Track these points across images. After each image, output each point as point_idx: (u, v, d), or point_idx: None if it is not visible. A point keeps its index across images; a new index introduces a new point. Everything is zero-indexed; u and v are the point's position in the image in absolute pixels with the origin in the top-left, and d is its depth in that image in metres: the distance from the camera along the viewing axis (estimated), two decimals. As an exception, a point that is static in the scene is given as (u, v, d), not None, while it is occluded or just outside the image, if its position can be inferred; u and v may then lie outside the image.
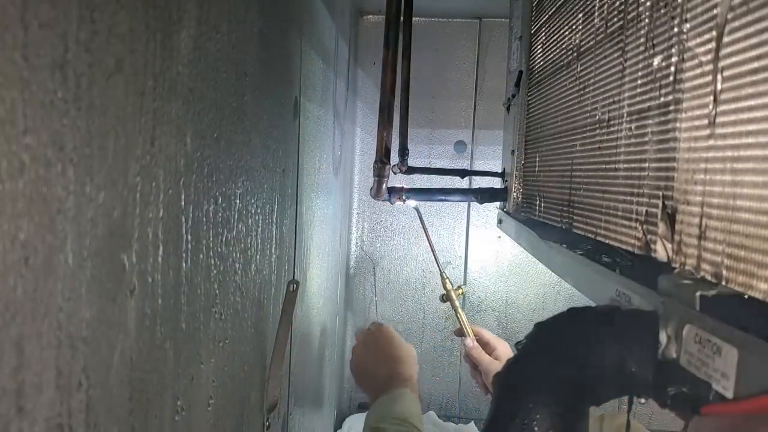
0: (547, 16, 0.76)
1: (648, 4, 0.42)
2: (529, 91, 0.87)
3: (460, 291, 1.14)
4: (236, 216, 0.57)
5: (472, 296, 1.71)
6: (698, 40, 0.34)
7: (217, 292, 0.53)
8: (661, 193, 0.38)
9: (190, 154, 0.44)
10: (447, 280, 1.14)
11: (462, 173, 1.27)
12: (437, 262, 1.18)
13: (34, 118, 0.26)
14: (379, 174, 1.03)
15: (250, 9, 0.59)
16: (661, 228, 0.37)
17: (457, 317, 1.10)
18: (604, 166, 0.49)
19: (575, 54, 0.60)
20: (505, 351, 1.04)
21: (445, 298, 1.14)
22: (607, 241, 0.47)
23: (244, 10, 0.57)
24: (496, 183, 1.15)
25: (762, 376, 0.25)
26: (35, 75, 0.26)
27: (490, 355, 1.03)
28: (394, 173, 1.22)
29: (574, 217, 0.57)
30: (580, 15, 0.59)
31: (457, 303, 1.12)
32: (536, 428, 0.34)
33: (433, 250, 1.20)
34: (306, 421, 1.10)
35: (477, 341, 1.05)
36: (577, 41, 0.60)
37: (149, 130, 0.37)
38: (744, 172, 0.29)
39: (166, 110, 0.40)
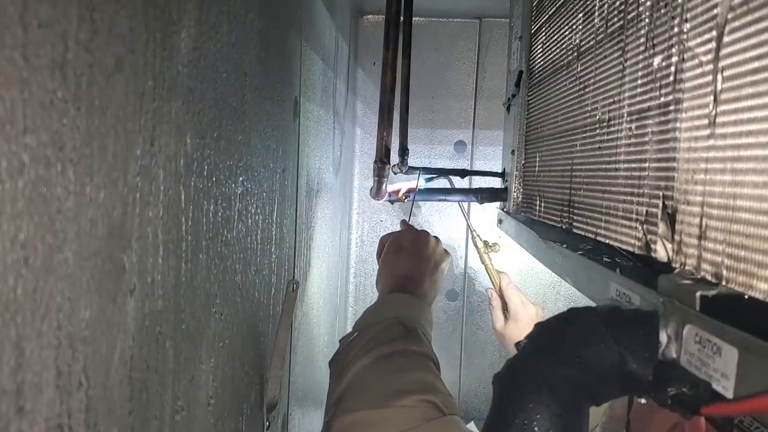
0: (547, 16, 0.76)
1: (648, 4, 0.41)
2: (529, 91, 0.87)
3: (496, 247, 1.18)
4: (236, 216, 0.57)
5: (473, 297, 1.71)
6: (698, 40, 0.34)
7: (217, 292, 0.53)
8: (661, 193, 0.38)
9: (190, 154, 0.44)
10: (477, 237, 1.21)
11: (462, 173, 1.27)
12: (466, 218, 1.26)
13: (34, 118, 0.26)
14: (379, 174, 1.03)
15: (250, 9, 0.59)
16: (661, 228, 0.37)
17: (487, 271, 1.18)
18: (604, 166, 0.49)
19: (575, 54, 0.60)
20: (528, 317, 1.07)
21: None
22: (607, 241, 0.47)
23: (244, 10, 0.57)
24: (496, 183, 1.15)
25: (762, 376, 0.25)
26: (35, 75, 0.26)
27: (505, 316, 1.10)
28: (394, 173, 1.22)
29: (574, 217, 0.57)
30: (580, 15, 0.59)
31: (486, 259, 1.18)
32: (536, 428, 0.34)
33: (461, 208, 1.28)
34: (306, 421, 1.10)
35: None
36: (577, 41, 0.60)
37: (149, 130, 0.37)
38: (744, 172, 0.29)
39: (166, 110, 0.40)
